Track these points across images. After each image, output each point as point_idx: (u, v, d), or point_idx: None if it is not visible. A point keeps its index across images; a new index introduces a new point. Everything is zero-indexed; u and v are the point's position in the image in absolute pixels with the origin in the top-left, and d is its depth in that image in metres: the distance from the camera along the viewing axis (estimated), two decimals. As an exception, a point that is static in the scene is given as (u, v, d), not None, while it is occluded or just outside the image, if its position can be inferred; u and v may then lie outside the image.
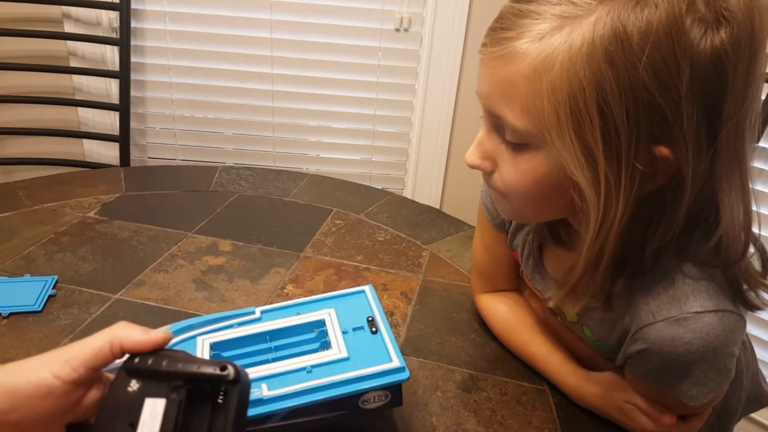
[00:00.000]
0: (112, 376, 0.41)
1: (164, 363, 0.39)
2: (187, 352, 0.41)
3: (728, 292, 0.48)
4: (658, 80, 0.39)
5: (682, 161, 0.41)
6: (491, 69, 0.44)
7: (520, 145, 0.45)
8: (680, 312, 0.47)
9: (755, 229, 0.47)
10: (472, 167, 0.50)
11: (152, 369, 0.39)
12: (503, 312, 0.70)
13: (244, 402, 0.40)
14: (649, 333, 0.48)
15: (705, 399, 0.50)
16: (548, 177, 0.45)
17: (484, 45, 0.45)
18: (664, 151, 0.41)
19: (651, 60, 0.38)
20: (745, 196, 0.44)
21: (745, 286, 0.48)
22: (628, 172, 0.41)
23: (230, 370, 0.38)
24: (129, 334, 0.40)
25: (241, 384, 0.39)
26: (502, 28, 0.43)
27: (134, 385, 0.39)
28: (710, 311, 0.46)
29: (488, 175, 0.50)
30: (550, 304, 0.53)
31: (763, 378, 0.72)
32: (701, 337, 0.46)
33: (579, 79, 0.39)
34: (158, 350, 0.41)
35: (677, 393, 0.50)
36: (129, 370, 0.40)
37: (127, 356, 0.41)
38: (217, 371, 0.38)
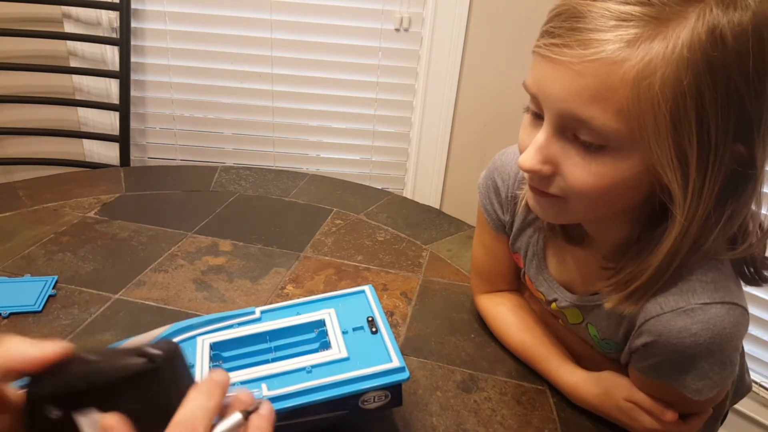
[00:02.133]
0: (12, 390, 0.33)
1: (79, 378, 0.32)
2: (103, 349, 0.35)
3: (734, 286, 0.49)
4: (749, 83, 0.40)
5: (757, 157, 0.43)
6: (578, 71, 0.42)
7: (597, 147, 0.44)
8: (688, 303, 0.47)
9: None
10: (531, 172, 0.47)
11: (69, 387, 0.32)
12: (503, 313, 0.70)
13: (177, 368, 0.35)
14: (656, 325, 0.49)
15: (710, 393, 0.50)
16: (628, 178, 0.44)
17: (562, 45, 0.42)
18: (740, 148, 0.43)
19: (746, 63, 0.39)
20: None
21: (752, 269, 0.50)
22: (712, 173, 0.42)
23: (156, 354, 0.32)
24: (15, 351, 0.31)
25: (168, 360, 0.33)
26: (590, 29, 0.41)
27: (56, 413, 0.31)
28: (717, 303, 0.47)
29: (545, 179, 0.48)
30: (607, 304, 0.52)
31: (747, 370, 0.72)
32: (708, 329, 0.47)
33: (682, 85, 0.39)
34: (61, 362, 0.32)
35: (681, 387, 0.50)
36: (38, 399, 0.31)
37: (26, 382, 0.32)
38: (146, 364, 0.32)
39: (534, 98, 0.47)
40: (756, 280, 0.51)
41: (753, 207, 0.47)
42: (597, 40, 0.41)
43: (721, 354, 0.48)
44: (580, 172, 0.45)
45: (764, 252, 0.50)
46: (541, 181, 0.48)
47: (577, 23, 0.42)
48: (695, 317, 0.47)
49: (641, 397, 0.55)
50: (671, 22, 0.39)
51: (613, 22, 0.40)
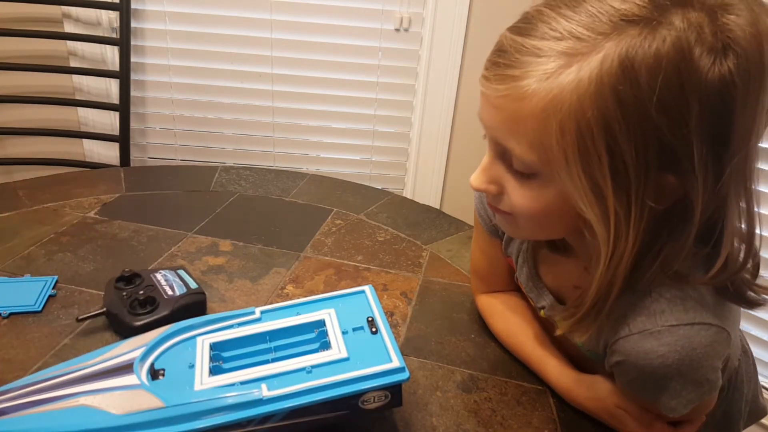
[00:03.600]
0: None
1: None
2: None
3: (710, 305, 0.48)
4: (667, 116, 0.38)
5: (690, 189, 0.41)
6: (496, 105, 0.44)
7: (527, 174, 0.45)
8: (654, 325, 0.47)
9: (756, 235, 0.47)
10: (478, 191, 0.50)
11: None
12: (501, 313, 0.70)
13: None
14: (625, 345, 0.49)
15: (685, 410, 0.49)
16: (556, 205, 0.45)
17: (486, 78, 0.44)
18: (671, 179, 0.42)
19: (659, 97, 0.38)
20: (750, 218, 0.45)
21: (733, 290, 0.48)
22: (637, 206, 0.42)
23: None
24: None
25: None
26: (506, 65, 0.42)
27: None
28: (685, 324, 0.46)
29: (495, 197, 0.50)
30: (558, 331, 0.53)
31: (761, 391, 0.72)
32: (676, 351, 0.46)
33: (587, 119, 0.39)
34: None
35: (657, 404, 0.50)
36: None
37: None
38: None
39: None
40: (739, 302, 0.49)
41: (735, 234, 0.45)
42: (510, 75, 0.42)
43: (695, 374, 0.47)
44: (516, 194, 0.47)
45: (755, 276, 0.48)
46: (493, 198, 0.51)
47: (498, 58, 0.43)
48: (662, 339, 0.46)
49: (631, 406, 0.55)
50: (582, 57, 0.39)
51: (526, 58, 0.41)
